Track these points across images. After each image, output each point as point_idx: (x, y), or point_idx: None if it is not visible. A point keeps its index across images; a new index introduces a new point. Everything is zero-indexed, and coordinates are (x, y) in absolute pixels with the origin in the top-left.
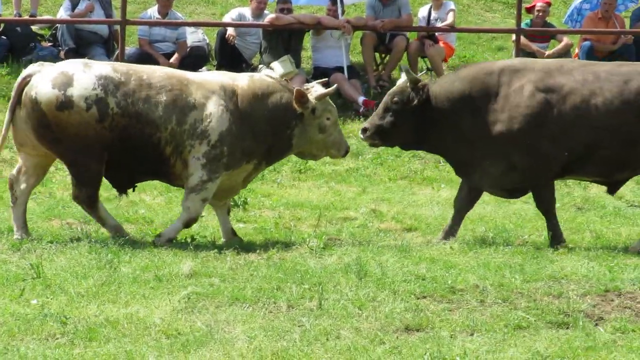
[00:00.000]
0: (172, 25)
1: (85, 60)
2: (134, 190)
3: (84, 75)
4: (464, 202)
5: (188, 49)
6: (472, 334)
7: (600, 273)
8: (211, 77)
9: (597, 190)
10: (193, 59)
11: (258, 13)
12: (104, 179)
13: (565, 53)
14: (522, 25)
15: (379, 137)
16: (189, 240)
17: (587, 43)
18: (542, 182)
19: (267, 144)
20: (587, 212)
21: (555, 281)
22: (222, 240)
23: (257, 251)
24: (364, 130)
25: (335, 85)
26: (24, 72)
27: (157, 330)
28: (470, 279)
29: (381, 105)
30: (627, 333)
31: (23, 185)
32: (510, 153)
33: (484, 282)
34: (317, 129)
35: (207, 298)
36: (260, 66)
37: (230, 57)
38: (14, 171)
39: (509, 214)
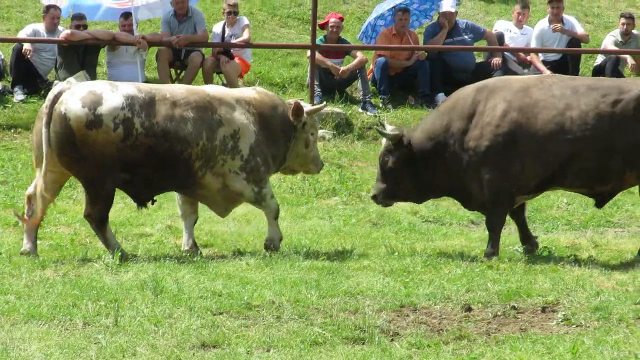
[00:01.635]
0: None
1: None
2: (152, 204)
3: (112, 95)
4: (517, 212)
5: None
6: (268, 350)
7: (395, 288)
8: (223, 91)
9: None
10: None
11: (52, 29)
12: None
13: (360, 69)
14: (317, 41)
15: (389, 198)
16: None
17: (381, 59)
18: (506, 200)
19: (283, 151)
20: (383, 227)
21: (351, 297)
22: (185, 248)
23: (53, 268)
24: (374, 197)
25: (324, 103)
26: (55, 89)
27: None
28: (266, 295)
29: (378, 170)
30: (422, 348)
31: (40, 200)
32: (480, 170)
33: (280, 298)
34: (303, 143)
35: (2, 315)
36: (56, 82)
37: (25, 73)
38: (31, 187)
39: (304, 229)
